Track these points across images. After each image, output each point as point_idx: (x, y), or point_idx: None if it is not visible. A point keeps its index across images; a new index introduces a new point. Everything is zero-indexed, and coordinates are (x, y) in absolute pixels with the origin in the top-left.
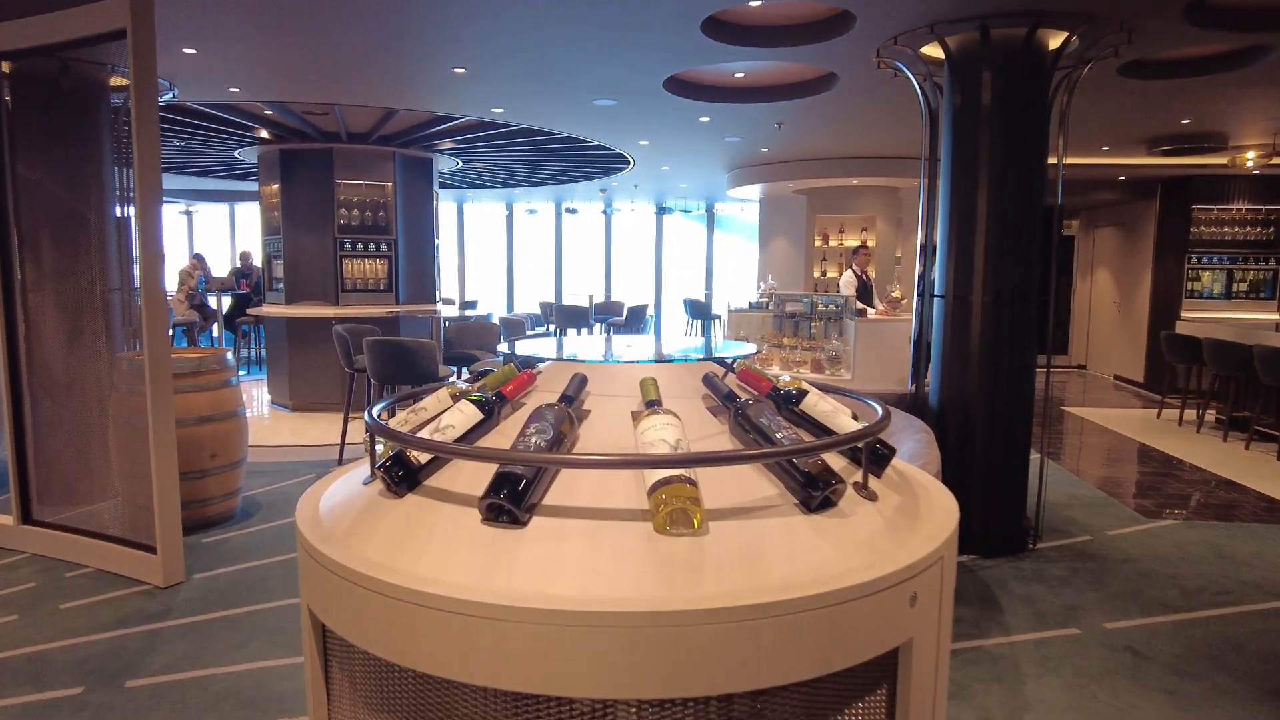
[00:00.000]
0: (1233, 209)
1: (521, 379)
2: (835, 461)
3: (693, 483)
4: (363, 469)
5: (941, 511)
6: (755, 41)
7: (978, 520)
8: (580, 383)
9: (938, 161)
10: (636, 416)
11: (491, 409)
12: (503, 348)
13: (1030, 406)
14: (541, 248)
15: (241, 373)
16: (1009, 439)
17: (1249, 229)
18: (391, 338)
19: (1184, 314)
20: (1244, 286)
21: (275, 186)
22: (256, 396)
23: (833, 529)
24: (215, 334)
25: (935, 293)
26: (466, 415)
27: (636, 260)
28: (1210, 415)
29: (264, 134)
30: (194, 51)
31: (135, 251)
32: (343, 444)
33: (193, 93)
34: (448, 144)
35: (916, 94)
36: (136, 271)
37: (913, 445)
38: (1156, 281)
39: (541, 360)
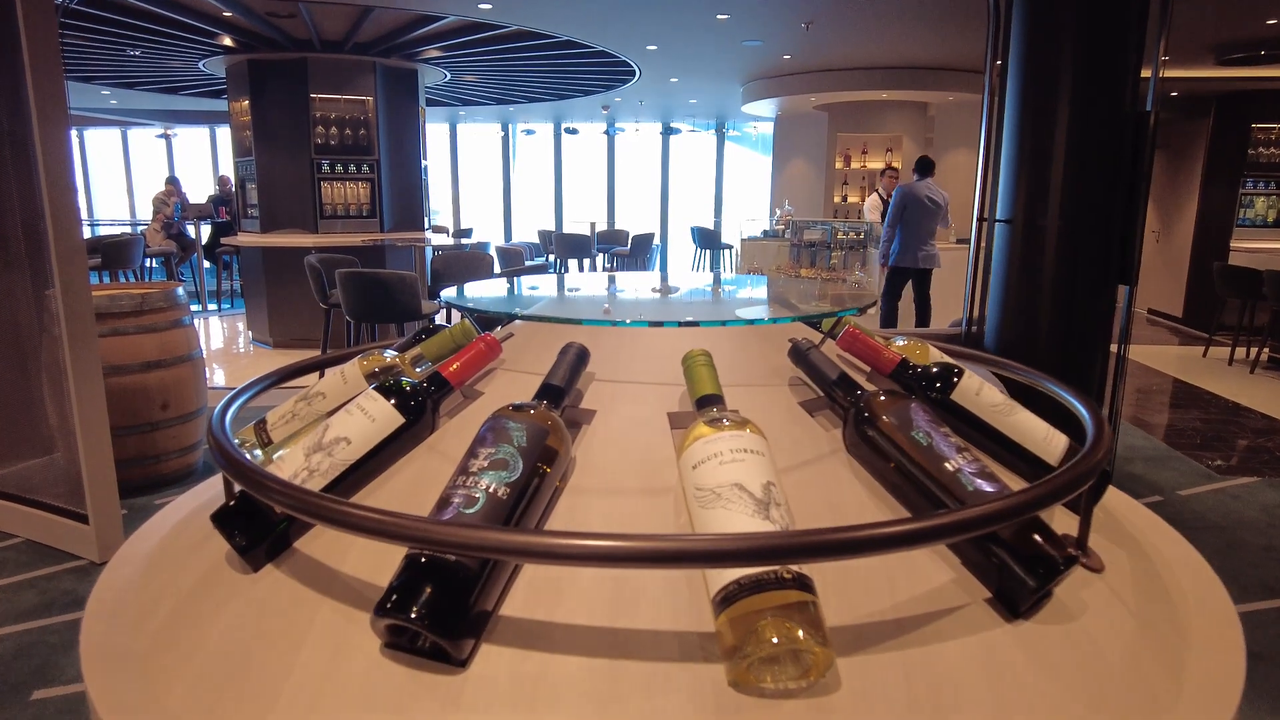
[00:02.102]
0: None
1: (475, 350)
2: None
3: (807, 586)
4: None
5: (1200, 586)
6: None
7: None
8: (577, 359)
9: (1006, 61)
10: (680, 425)
11: (420, 405)
12: (449, 293)
13: (1106, 352)
14: (541, 172)
15: (225, 306)
16: (1081, 389)
17: None
18: (366, 270)
19: (1234, 244)
20: None
21: (245, 102)
22: (240, 332)
23: (1064, 653)
24: (200, 265)
25: (999, 217)
26: (373, 419)
27: (641, 185)
28: (1266, 355)
29: (228, 41)
30: None
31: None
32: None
33: None
34: (434, 52)
35: None
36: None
37: None
38: (1204, 209)
39: (510, 316)
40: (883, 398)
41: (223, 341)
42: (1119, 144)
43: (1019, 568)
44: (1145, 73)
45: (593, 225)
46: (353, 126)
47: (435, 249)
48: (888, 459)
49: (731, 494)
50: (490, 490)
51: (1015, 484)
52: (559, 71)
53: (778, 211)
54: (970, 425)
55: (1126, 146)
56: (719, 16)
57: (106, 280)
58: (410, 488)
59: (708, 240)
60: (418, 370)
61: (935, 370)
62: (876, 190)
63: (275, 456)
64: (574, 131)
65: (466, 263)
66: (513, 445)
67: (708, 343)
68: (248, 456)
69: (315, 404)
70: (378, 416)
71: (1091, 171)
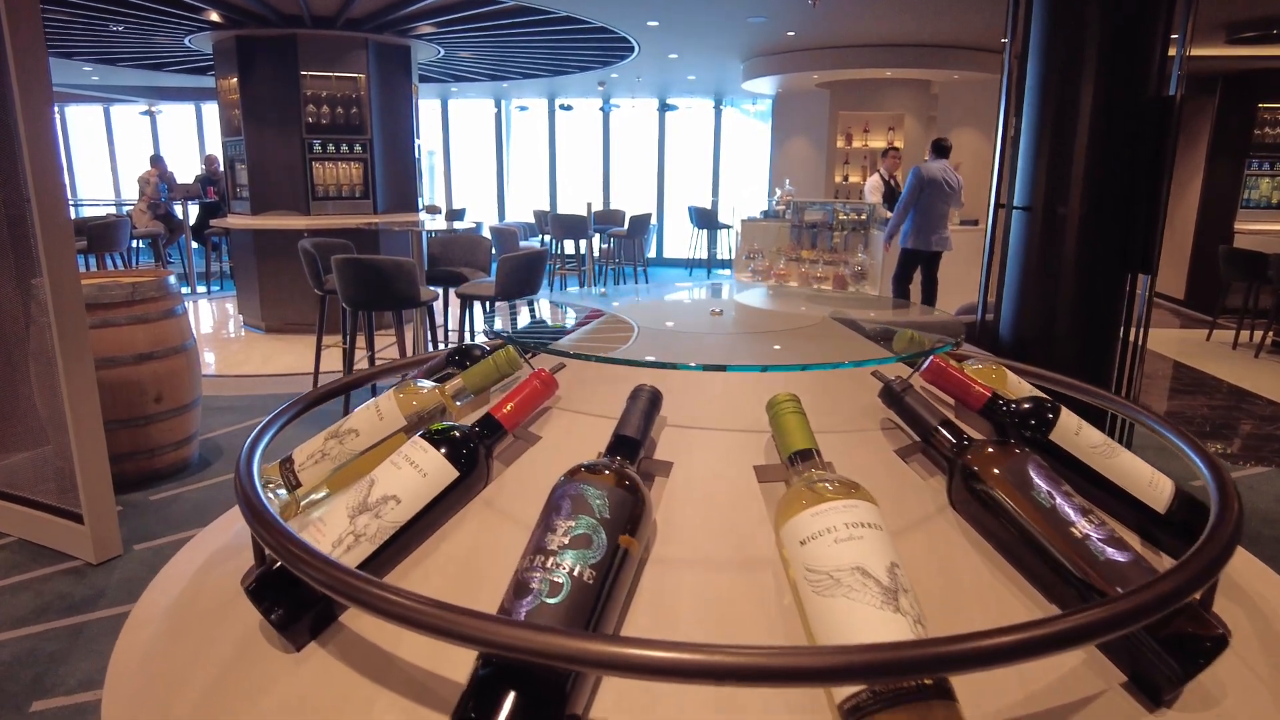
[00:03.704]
0: None
1: (530, 389)
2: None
3: (948, 693)
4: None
5: None
6: None
7: None
8: (650, 405)
9: (1027, 41)
10: (769, 479)
11: (474, 454)
12: (501, 321)
13: (1127, 342)
14: (535, 150)
15: (215, 288)
16: (1102, 380)
17: None
18: (363, 256)
19: (1239, 225)
20: None
21: (234, 80)
22: (231, 315)
23: None
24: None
25: (1017, 204)
26: (424, 474)
27: (638, 162)
28: (1270, 339)
29: (214, 16)
30: None
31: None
32: (316, 374)
33: None
34: (427, 28)
35: None
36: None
37: None
38: (1207, 190)
39: (555, 348)
40: (992, 450)
41: (212, 326)
42: (1143, 129)
43: (1163, 651)
44: (1170, 52)
45: (589, 205)
46: (345, 105)
47: (430, 232)
48: (1004, 521)
49: (854, 580)
50: (575, 574)
51: (1129, 537)
52: (555, 47)
53: (777, 191)
54: (1069, 467)
55: (1150, 131)
56: None
57: (93, 264)
58: (470, 555)
59: (705, 220)
60: (459, 404)
61: (1030, 408)
62: (878, 170)
63: (314, 516)
64: (568, 108)
65: (464, 245)
66: (594, 516)
67: (799, 386)
68: (273, 504)
69: (348, 442)
70: (429, 470)
71: (1114, 158)
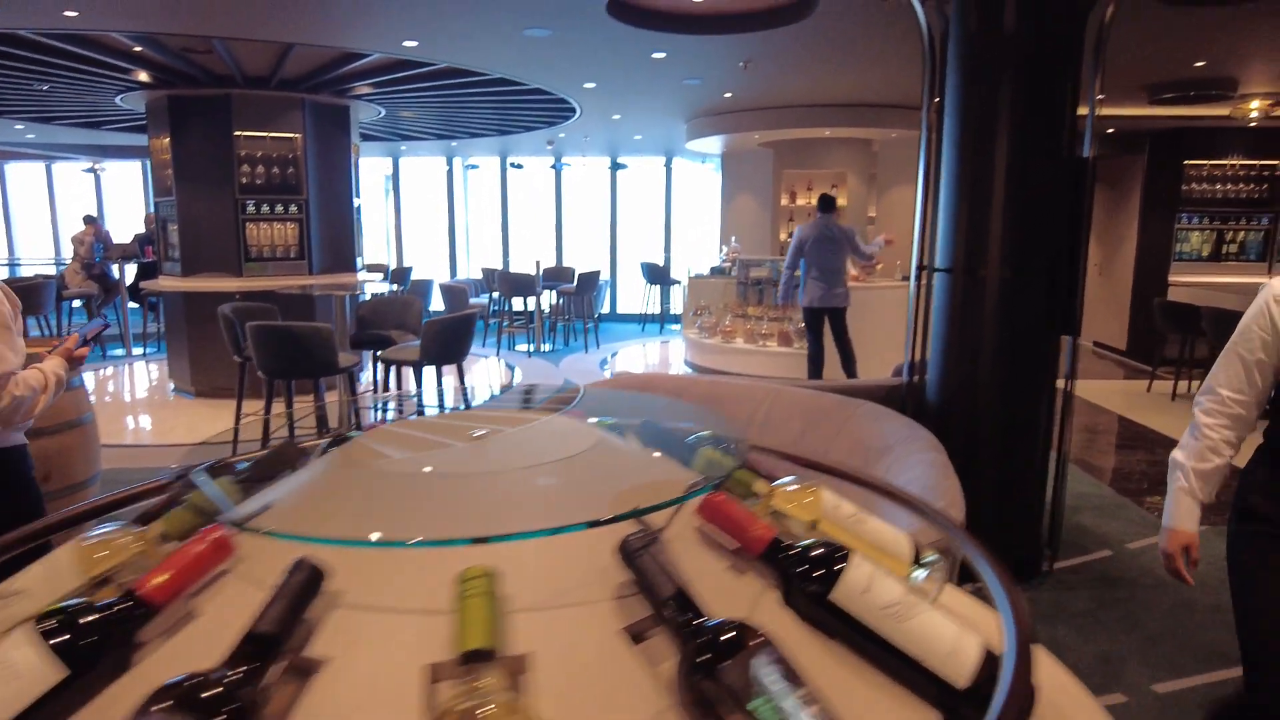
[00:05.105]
0: (1226, 164)
1: (193, 556)
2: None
3: None
4: None
5: None
6: None
7: (987, 540)
8: (304, 588)
9: (942, 108)
10: (445, 678)
11: (98, 647)
12: (176, 463)
13: (1051, 404)
14: (488, 207)
15: (151, 350)
16: (1027, 445)
17: (1242, 185)
18: (279, 323)
19: (1172, 278)
20: (1234, 248)
21: (166, 140)
22: (163, 379)
23: None
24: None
25: (939, 266)
26: (21, 674)
27: (590, 220)
28: None
29: (143, 76)
30: None
31: None
32: (235, 443)
33: (18, 16)
34: (365, 88)
35: (917, 21)
36: None
37: (921, 471)
38: (1143, 242)
39: (231, 521)
40: (728, 635)
41: (146, 390)
42: (1058, 191)
43: None
44: (1082, 110)
45: (538, 264)
46: (280, 165)
47: (361, 296)
48: None
49: None
50: None
51: (928, 716)
52: (499, 107)
53: (724, 248)
54: (856, 632)
55: (1066, 193)
56: (655, 55)
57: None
58: None
59: (657, 276)
60: (163, 549)
61: (816, 555)
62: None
63: None
64: (519, 166)
65: (395, 308)
66: None
67: (500, 556)
68: None
69: (13, 605)
70: (26, 670)
71: (1031, 219)
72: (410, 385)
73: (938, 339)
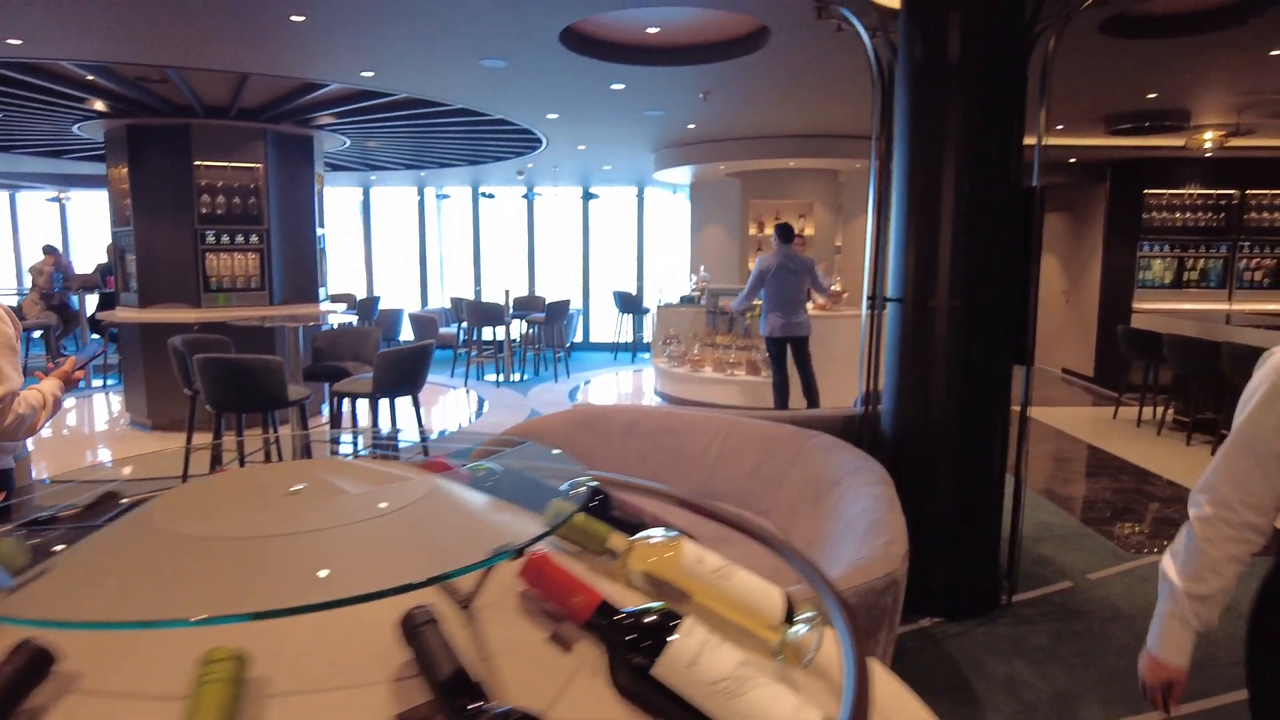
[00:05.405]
0: (1185, 194)
1: None
2: None
3: None
4: None
5: None
6: None
7: (942, 572)
8: (21, 675)
9: (891, 138)
10: None
11: None
12: None
13: (1006, 433)
14: (460, 236)
15: (112, 381)
16: (982, 474)
17: (1200, 214)
18: (226, 355)
19: (1136, 305)
20: (1194, 275)
21: (124, 169)
22: (119, 411)
23: None
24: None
25: (890, 296)
26: None
27: (563, 248)
28: (1170, 416)
29: (100, 105)
30: None
31: None
32: (185, 477)
33: None
34: (327, 118)
35: (866, 52)
36: None
37: (866, 504)
38: (1107, 270)
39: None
40: None
41: (105, 422)
42: (1006, 220)
43: None
44: (1030, 140)
45: (507, 293)
46: (241, 194)
47: (320, 326)
48: None
49: None
50: None
51: None
52: (466, 138)
53: (694, 277)
54: (684, 711)
55: (1015, 222)
56: (614, 85)
57: None
58: None
59: (629, 304)
60: None
61: (649, 622)
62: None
63: None
64: (490, 196)
65: (351, 340)
66: None
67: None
68: None
69: None
70: None
71: (979, 249)
72: (364, 419)
73: (891, 369)
